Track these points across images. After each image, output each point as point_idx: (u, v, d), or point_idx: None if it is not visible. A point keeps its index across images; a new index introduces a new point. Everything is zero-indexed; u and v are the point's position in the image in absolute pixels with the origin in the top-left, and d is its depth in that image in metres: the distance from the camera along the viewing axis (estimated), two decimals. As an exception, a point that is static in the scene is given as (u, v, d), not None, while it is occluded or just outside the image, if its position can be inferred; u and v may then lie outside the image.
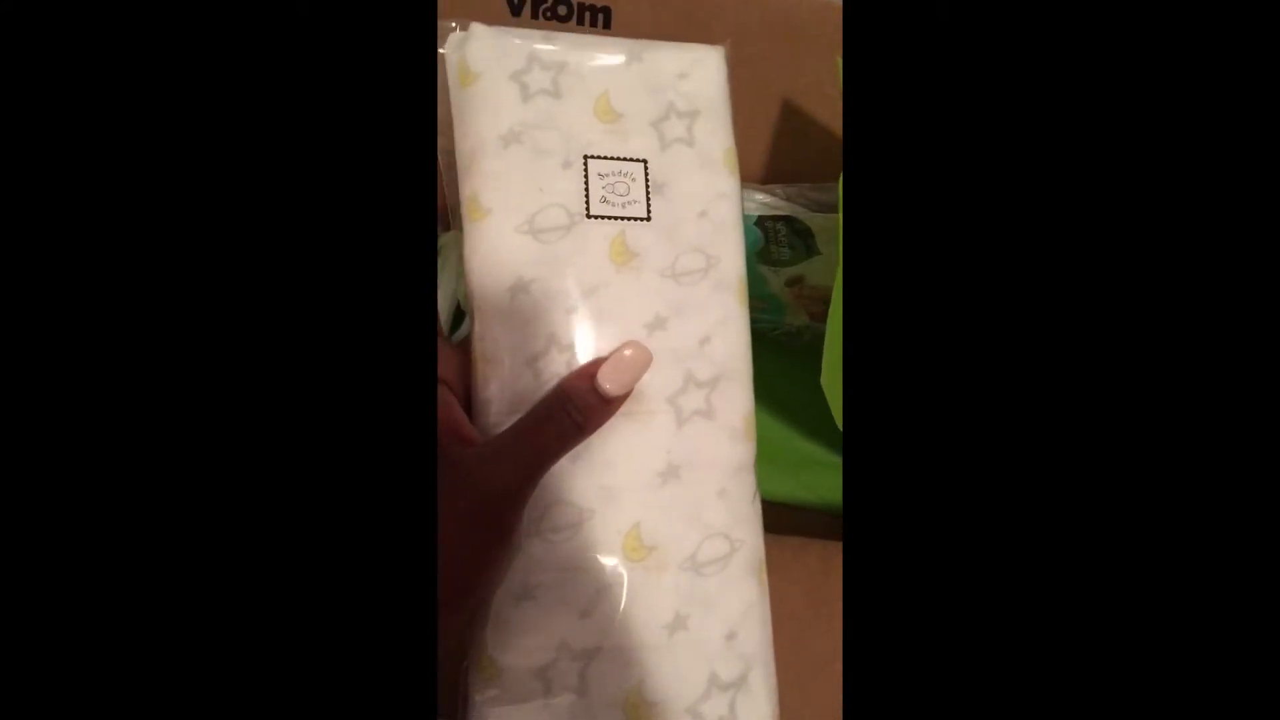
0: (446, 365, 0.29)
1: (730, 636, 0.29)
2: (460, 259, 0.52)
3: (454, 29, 0.30)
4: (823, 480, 0.46)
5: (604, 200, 0.29)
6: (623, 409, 0.28)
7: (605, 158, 0.29)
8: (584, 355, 0.29)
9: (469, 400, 0.30)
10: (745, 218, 0.48)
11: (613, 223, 0.29)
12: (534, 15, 0.47)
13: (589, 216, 0.29)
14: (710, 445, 0.30)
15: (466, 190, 0.29)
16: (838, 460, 0.45)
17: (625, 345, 0.27)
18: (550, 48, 0.30)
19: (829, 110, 0.49)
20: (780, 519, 0.36)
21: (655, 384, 0.29)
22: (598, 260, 0.29)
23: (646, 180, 0.30)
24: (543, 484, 0.28)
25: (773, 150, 0.51)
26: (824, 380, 0.35)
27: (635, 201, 0.29)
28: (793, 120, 0.50)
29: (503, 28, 0.30)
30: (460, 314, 0.59)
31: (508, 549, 0.28)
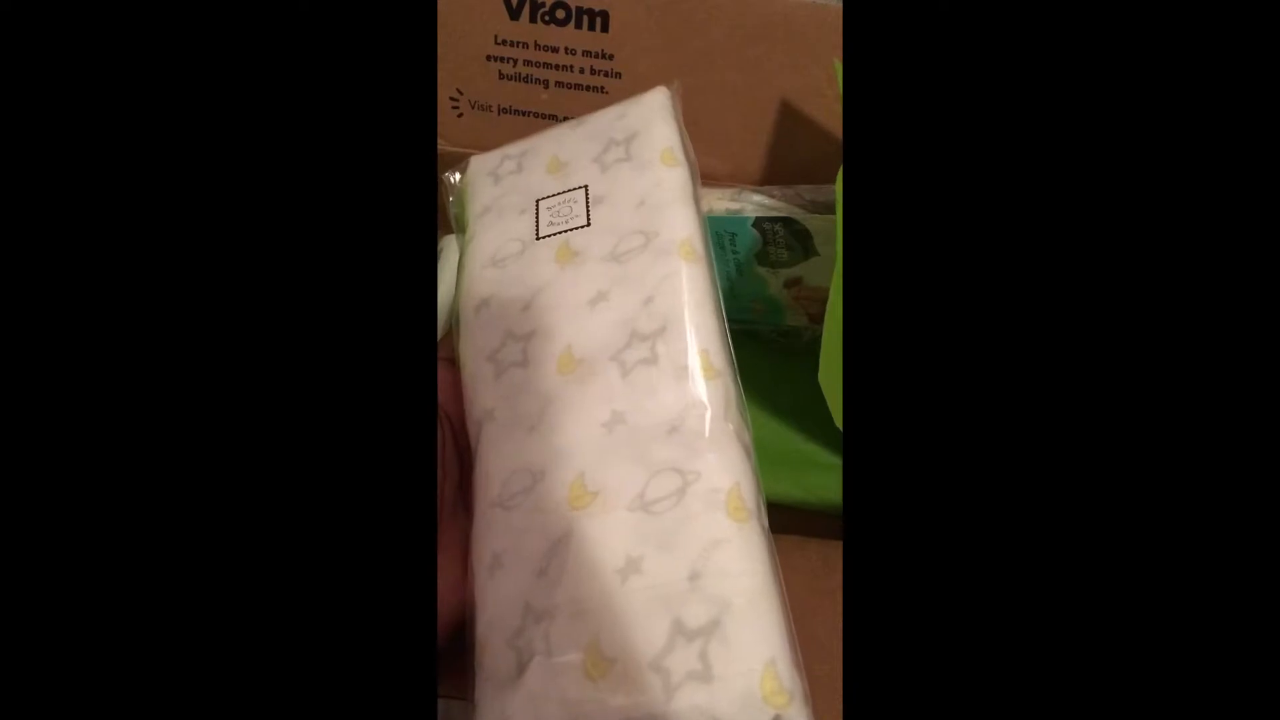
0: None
1: (694, 577, 0.27)
2: (458, 261, 0.55)
3: (465, 162, 0.39)
4: (822, 481, 0.46)
5: (550, 224, 0.35)
6: (568, 374, 0.31)
7: (552, 195, 0.36)
8: (537, 340, 0.32)
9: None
10: (743, 219, 0.49)
11: (557, 237, 0.34)
12: (532, 19, 0.47)
13: (538, 239, 0.35)
14: (656, 387, 0.30)
15: (461, 260, 0.37)
16: (837, 461, 0.45)
17: None
18: (518, 145, 0.39)
19: (827, 112, 0.49)
20: (780, 519, 0.36)
21: (600, 347, 0.31)
22: (545, 266, 0.34)
23: (587, 200, 0.35)
24: (502, 457, 0.30)
25: (771, 152, 0.51)
26: (821, 378, 0.35)
27: (577, 216, 0.34)
28: (791, 122, 0.50)
29: (492, 151, 0.39)
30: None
31: None
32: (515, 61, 0.49)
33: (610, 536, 0.27)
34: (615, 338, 0.31)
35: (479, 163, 0.39)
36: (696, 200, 0.35)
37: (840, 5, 0.44)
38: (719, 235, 0.50)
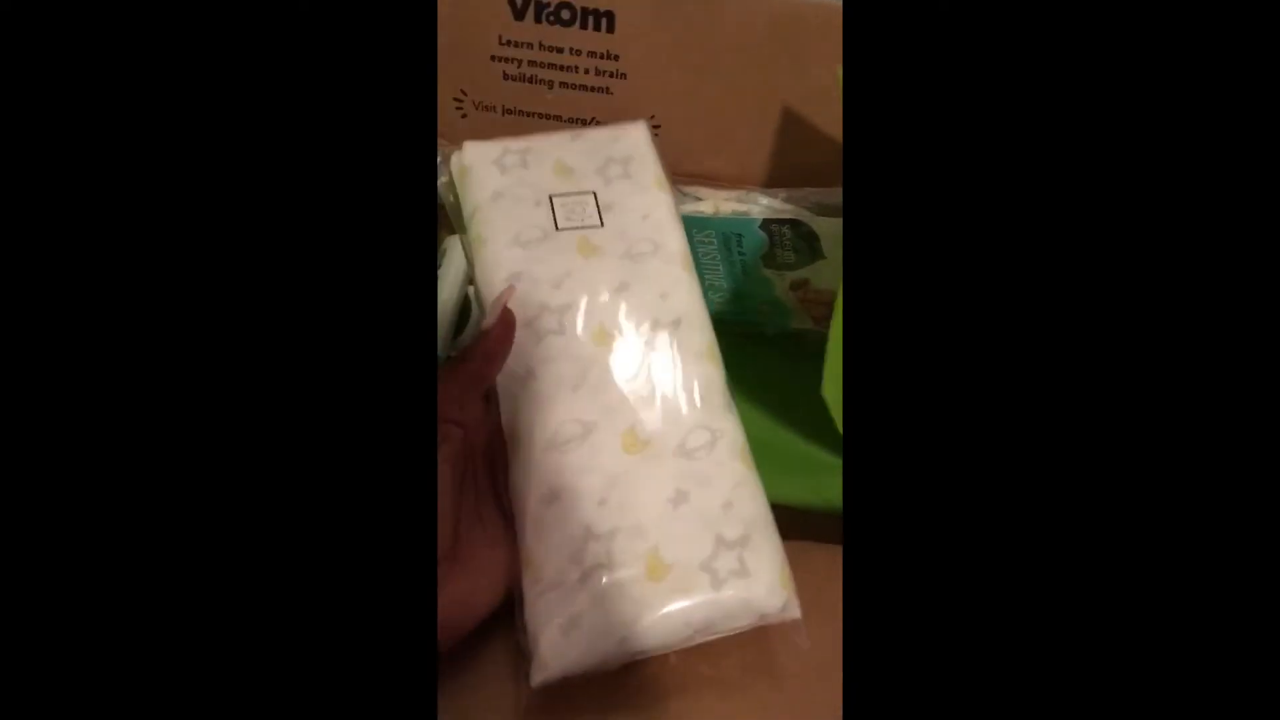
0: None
1: (727, 505, 0.35)
2: (462, 262, 0.59)
3: (458, 150, 0.42)
4: (826, 482, 0.45)
5: (567, 219, 0.40)
6: (603, 345, 0.37)
7: (564, 194, 0.41)
8: (571, 314, 0.38)
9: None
10: (750, 221, 0.49)
11: (576, 231, 0.40)
12: (537, 19, 0.47)
13: (558, 229, 0.40)
14: (681, 365, 0.38)
15: (470, 237, 0.41)
16: (840, 463, 0.44)
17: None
18: (516, 142, 0.43)
19: (833, 114, 0.49)
20: (782, 522, 0.36)
21: (631, 326, 0.38)
22: (569, 255, 0.39)
23: (597, 203, 0.41)
24: (551, 409, 0.36)
25: (777, 154, 0.51)
26: (825, 392, 0.36)
27: (590, 215, 0.41)
28: (797, 124, 0.49)
29: (485, 141, 0.43)
30: (464, 316, 0.59)
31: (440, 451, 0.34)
32: (520, 62, 0.49)
33: (662, 475, 0.35)
34: (641, 323, 0.38)
35: (478, 150, 0.42)
36: (680, 219, 0.43)
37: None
38: (726, 236, 0.50)
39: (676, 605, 0.33)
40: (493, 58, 0.49)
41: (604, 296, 0.38)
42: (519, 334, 0.37)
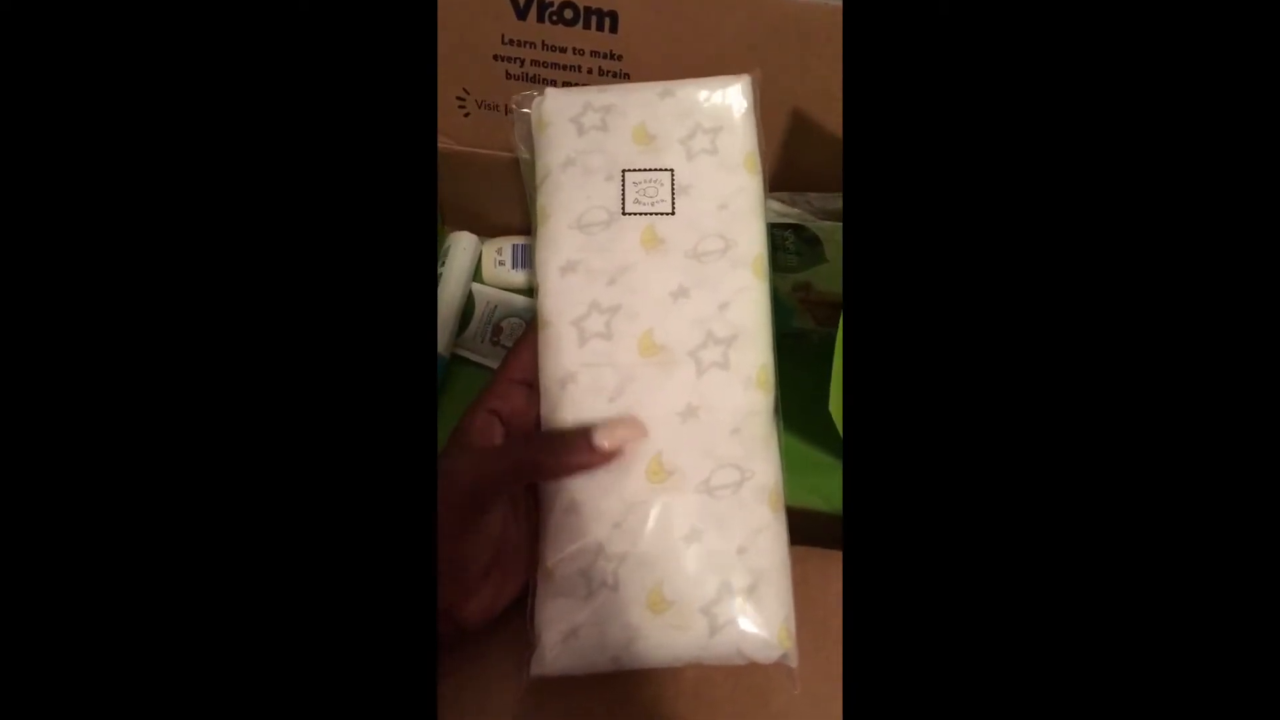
0: (504, 400, 0.37)
1: (741, 551, 0.34)
2: (464, 261, 0.62)
3: (538, 95, 0.40)
4: (828, 483, 0.46)
5: (636, 201, 0.37)
6: (652, 360, 0.35)
7: (639, 170, 0.38)
8: (620, 316, 0.36)
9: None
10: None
11: (643, 217, 0.37)
12: (539, 19, 0.47)
13: (624, 214, 0.37)
14: (725, 391, 0.36)
15: (536, 205, 0.39)
16: (840, 464, 0.45)
17: (623, 418, 0.35)
18: (602, 95, 0.39)
19: (836, 117, 0.48)
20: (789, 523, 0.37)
21: (680, 340, 0.36)
22: (631, 245, 0.37)
23: (673, 184, 0.37)
24: (583, 422, 0.35)
25: (780, 158, 0.51)
26: (832, 407, 0.37)
27: (662, 200, 0.37)
28: (800, 127, 0.49)
29: (570, 88, 0.40)
30: (467, 316, 0.59)
31: (471, 531, 0.33)
32: (523, 61, 0.49)
33: (680, 510, 0.34)
34: (693, 335, 0.36)
35: (559, 102, 0.39)
36: (765, 209, 0.39)
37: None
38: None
39: (670, 639, 0.33)
40: (495, 57, 0.49)
41: (659, 301, 0.36)
42: (563, 331, 0.36)
